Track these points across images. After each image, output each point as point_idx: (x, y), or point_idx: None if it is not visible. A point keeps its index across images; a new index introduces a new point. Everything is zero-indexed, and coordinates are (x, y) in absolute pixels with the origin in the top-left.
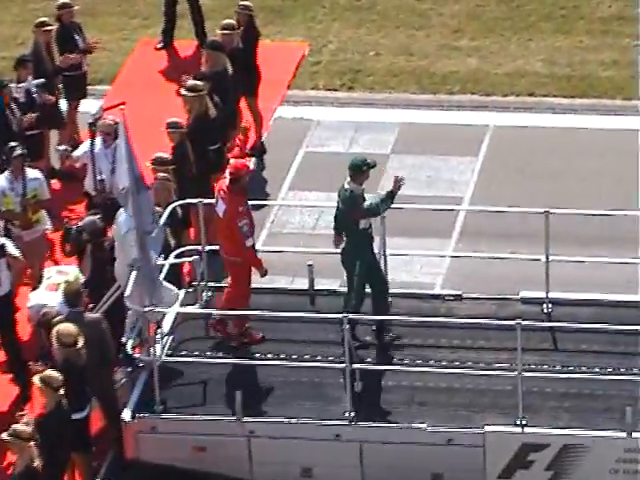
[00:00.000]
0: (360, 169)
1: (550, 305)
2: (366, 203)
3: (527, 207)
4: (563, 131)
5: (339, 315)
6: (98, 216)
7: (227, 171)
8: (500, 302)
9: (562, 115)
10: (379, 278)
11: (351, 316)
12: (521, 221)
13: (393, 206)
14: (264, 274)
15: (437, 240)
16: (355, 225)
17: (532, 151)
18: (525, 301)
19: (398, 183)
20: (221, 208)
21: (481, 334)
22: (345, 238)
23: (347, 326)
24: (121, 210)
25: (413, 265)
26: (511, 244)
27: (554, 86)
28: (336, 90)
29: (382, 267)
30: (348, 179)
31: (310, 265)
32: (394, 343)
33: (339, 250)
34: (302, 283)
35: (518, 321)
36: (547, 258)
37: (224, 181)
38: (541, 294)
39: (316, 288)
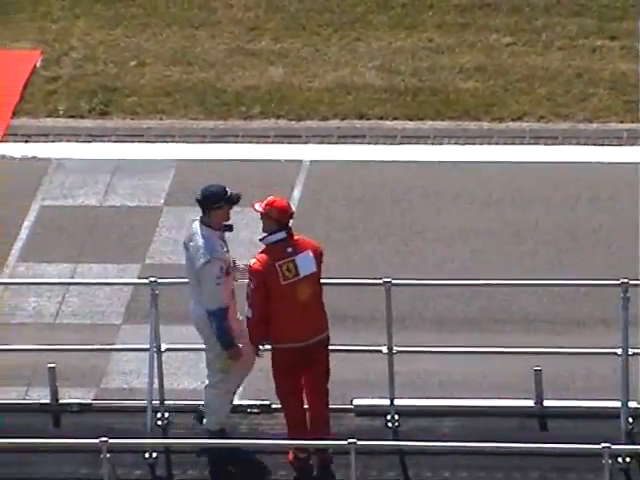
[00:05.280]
0: None
1: (397, 416)
2: None
3: (363, 277)
4: (410, 168)
5: (95, 440)
6: None
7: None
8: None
9: (408, 145)
10: None
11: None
12: (357, 298)
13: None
14: None
15: None
16: None
17: (367, 198)
18: (361, 412)
19: None
20: (309, 264)
21: None
22: None
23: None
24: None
25: (199, 366)
26: (344, 331)
27: (394, 104)
28: (83, 117)
29: (156, 367)
30: None
31: (52, 368)
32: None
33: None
34: (41, 394)
35: (351, 440)
36: (390, 349)
37: (273, 239)
38: (384, 401)
39: (62, 401)
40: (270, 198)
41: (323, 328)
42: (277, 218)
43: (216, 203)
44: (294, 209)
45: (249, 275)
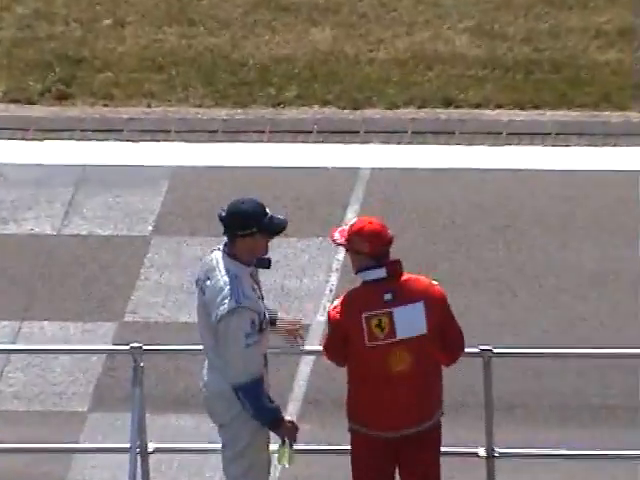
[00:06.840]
0: None
1: None
2: None
3: None
4: (521, 180)
5: None
6: None
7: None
8: None
9: (517, 146)
10: None
11: None
12: None
13: None
14: None
15: None
16: None
17: (456, 224)
18: None
19: None
20: (415, 322)
21: None
22: None
23: None
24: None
25: (204, 474)
26: None
27: (497, 84)
28: (33, 102)
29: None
30: None
31: None
32: None
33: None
34: None
35: None
36: (490, 450)
37: (368, 276)
38: None
39: None
40: (354, 221)
41: (425, 417)
42: (370, 250)
43: (247, 228)
44: (390, 233)
45: (328, 323)
